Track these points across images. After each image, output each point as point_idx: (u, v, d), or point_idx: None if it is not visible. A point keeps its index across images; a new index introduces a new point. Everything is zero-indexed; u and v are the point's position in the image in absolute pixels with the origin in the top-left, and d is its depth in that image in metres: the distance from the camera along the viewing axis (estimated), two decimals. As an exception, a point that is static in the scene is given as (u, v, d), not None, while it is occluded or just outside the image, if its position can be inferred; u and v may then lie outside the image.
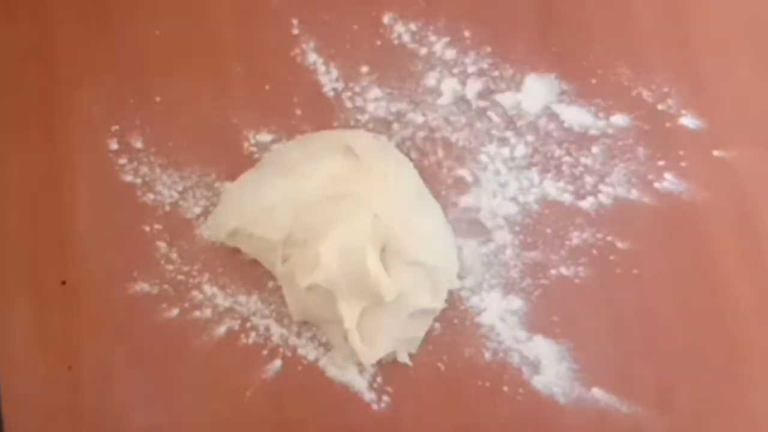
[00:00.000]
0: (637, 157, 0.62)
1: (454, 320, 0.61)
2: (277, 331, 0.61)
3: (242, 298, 0.61)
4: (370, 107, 0.64)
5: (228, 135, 0.64)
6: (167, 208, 0.64)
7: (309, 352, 0.60)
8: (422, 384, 0.60)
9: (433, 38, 0.65)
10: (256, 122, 0.65)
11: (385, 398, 0.59)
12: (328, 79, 0.65)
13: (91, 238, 0.63)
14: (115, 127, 0.65)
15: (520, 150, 0.63)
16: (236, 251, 0.62)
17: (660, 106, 0.63)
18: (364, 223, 0.57)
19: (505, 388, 0.59)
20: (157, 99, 0.66)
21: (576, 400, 0.58)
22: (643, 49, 0.64)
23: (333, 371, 0.60)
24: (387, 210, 0.58)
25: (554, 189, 0.62)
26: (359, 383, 0.60)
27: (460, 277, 0.61)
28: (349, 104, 0.65)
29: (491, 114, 0.64)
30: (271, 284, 0.62)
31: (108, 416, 0.60)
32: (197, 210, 0.63)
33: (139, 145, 0.65)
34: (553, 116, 0.64)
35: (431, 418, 0.59)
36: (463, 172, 0.63)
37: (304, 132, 0.64)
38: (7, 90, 0.66)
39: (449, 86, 0.64)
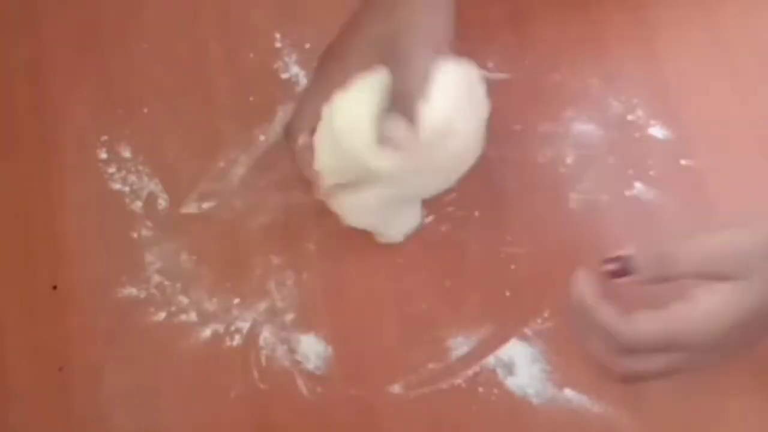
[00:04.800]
0: (608, 165, 0.64)
1: (431, 323, 0.62)
2: (260, 335, 0.61)
3: (226, 303, 0.62)
4: (350, 117, 0.66)
5: (213, 145, 0.66)
6: (155, 215, 0.65)
7: (291, 354, 0.61)
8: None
9: (410, 51, 0.67)
10: (240, 132, 0.66)
11: (365, 398, 0.60)
12: (310, 91, 0.67)
13: (81, 244, 0.64)
14: (104, 137, 0.66)
15: (496, 158, 0.64)
16: (220, 255, 0.63)
17: (629, 117, 0.64)
18: None
19: (480, 389, 0.59)
20: (145, 110, 0.67)
21: (549, 400, 0.59)
22: (614, 62, 0.66)
23: (313, 371, 0.61)
24: None
25: (529, 196, 0.63)
26: (338, 382, 0.60)
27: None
28: (330, 115, 0.66)
29: (465, 124, 0.65)
30: (252, 287, 0.63)
31: (97, 416, 0.61)
32: (184, 217, 0.65)
33: (127, 154, 0.66)
34: (527, 126, 0.65)
35: (408, 416, 0.60)
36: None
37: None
38: (-1, 101, 0.68)
39: (427, 98, 0.66)
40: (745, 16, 0.67)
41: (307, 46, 0.67)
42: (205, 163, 0.65)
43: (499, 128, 0.62)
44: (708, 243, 0.47)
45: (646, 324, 0.47)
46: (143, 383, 0.62)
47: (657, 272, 0.49)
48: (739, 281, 0.46)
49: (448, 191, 0.62)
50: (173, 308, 0.63)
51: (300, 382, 0.61)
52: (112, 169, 0.66)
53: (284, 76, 0.67)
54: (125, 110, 0.67)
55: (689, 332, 0.46)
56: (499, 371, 0.60)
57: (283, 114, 0.66)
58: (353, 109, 0.56)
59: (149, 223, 0.64)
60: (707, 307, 0.46)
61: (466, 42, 0.66)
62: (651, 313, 0.47)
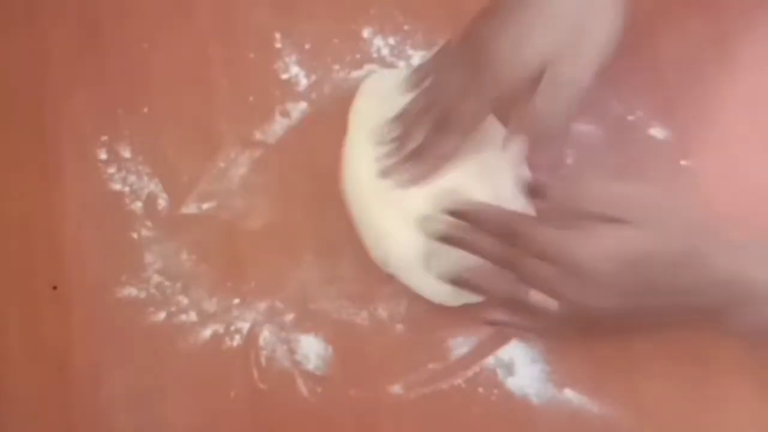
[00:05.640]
0: (608, 165, 0.64)
1: (432, 323, 0.62)
2: (260, 335, 0.62)
3: (226, 303, 0.62)
4: (350, 118, 0.66)
5: (213, 145, 0.66)
6: (154, 215, 0.65)
7: (291, 354, 0.61)
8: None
9: (410, 51, 0.67)
10: (240, 132, 0.66)
11: (365, 398, 0.60)
12: (310, 91, 0.66)
13: (81, 244, 0.64)
14: (103, 138, 0.66)
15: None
16: (220, 255, 0.63)
17: (629, 117, 0.64)
18: None
19: (481, 389, 0.60)
20: (145, 110, 0.67)
21: (549, 400, 0.59)
22: (614, 62, 0.65)
23: (313, 371, 0.61)
24: None
25: (529, 196, 0.64)
26: (339, 383, 0.61)
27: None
28: (329, 115, 0.66)
29: (467, 124, 0.65)
30: (252, 287, 0.63)
31: (97, 416, 0.61)
32: (183, 217, 0.65)
33: (127, 154, 0.66)
34: (528, 126, 0.65)
35: (408, 417, 0.60)
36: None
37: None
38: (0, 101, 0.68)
39: (427, 98, 0.66)
40: (745, 15, 0.66)
41: (307, 46, 0.67)
42: (205, 163, 0.65)
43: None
44: (616, 189, 0.52)
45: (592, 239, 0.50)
46: (143, 383, 0.62)
47: (564, 202, 0.52)
48: (633, 228, 0.50)
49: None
50: (173, 308, 0.63)
51: (300, 382, 0.61)
52: (112, 170, 0.66)
53: (284, 76, 0.67)
54: (125, 110, 0.67)
55: (582, 258, 0.49)
56: (500, 371, 0.60)
57: (282, 115, 0.66)
58: None
59: (149, 224, 0.65)
60: (601, 237, 0.50)
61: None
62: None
